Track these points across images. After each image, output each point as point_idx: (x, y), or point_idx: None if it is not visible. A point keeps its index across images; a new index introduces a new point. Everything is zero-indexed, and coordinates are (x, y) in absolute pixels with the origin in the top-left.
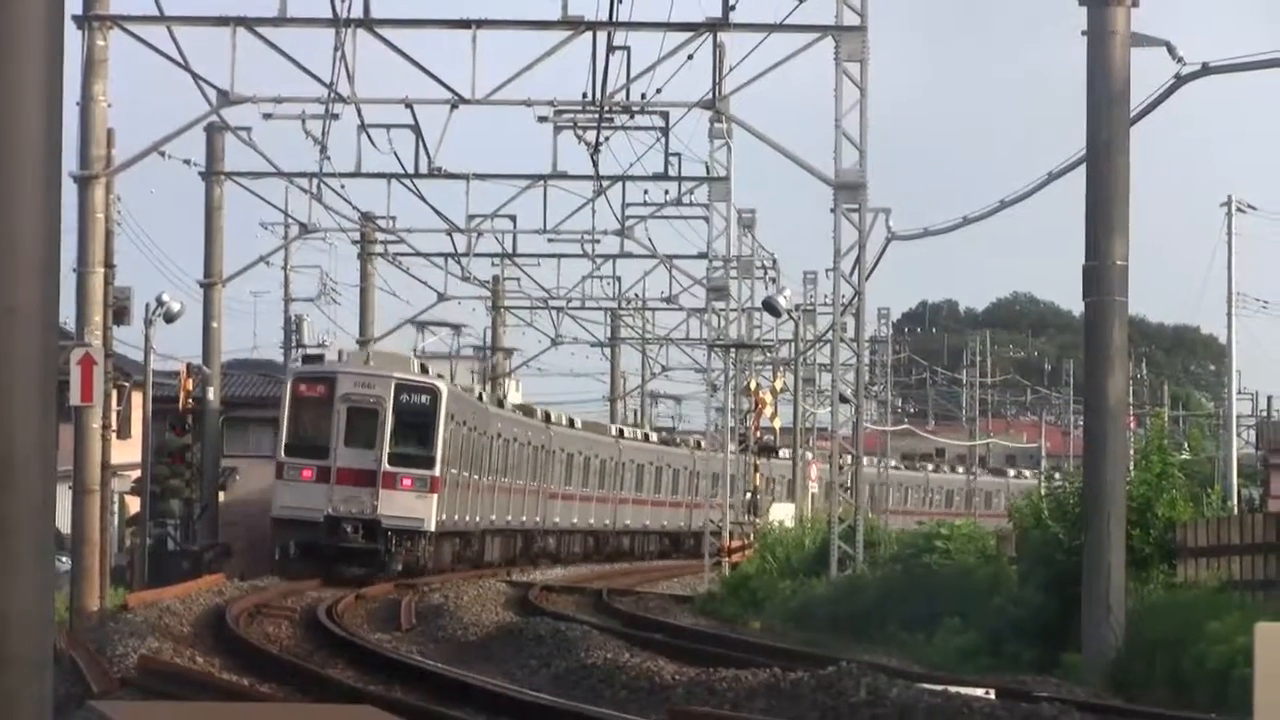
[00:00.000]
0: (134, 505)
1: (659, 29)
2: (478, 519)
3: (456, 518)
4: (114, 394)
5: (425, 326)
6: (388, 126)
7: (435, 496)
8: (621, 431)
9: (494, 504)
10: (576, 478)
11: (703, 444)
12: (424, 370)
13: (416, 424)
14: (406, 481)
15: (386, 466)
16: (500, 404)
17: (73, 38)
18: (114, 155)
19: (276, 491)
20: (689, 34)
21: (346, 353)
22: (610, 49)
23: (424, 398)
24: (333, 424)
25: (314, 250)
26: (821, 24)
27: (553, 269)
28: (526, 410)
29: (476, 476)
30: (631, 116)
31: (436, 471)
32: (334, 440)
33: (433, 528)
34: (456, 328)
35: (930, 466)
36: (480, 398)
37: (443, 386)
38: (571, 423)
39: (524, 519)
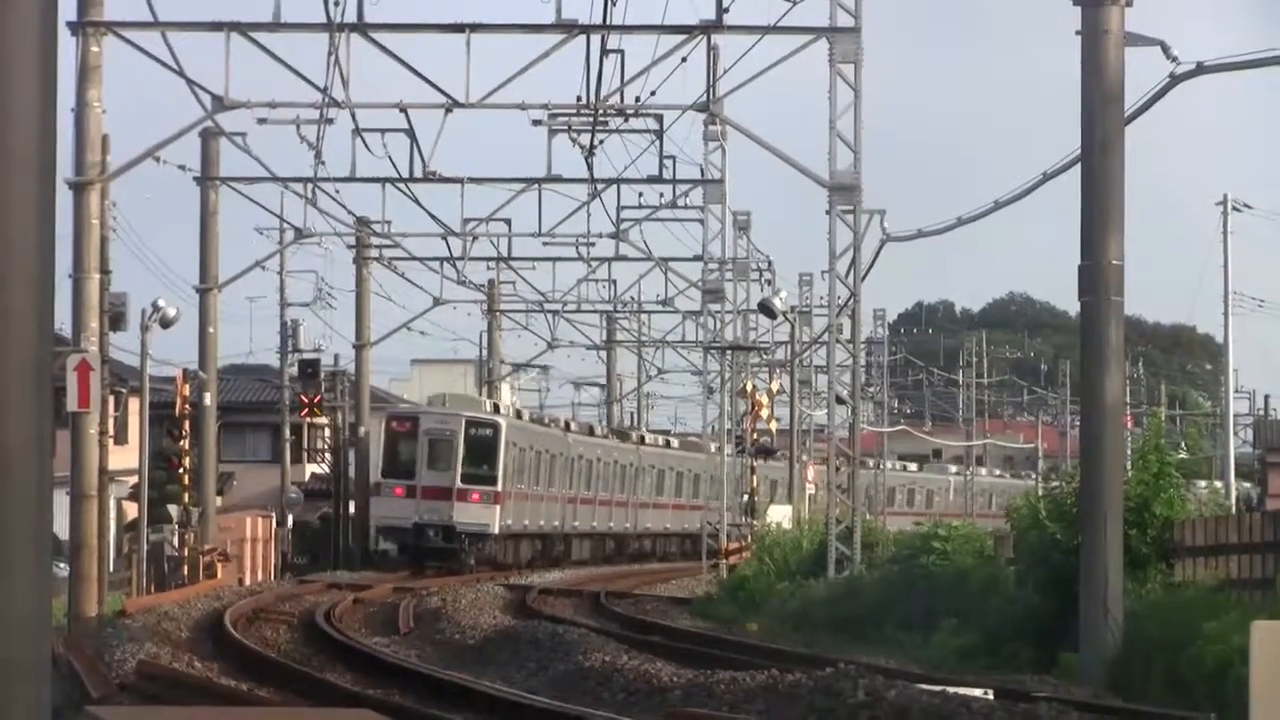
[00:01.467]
0: (131, 511)
1: (653, 32)
2: (557, 524)
3: (527, 523)
4: (111, 400)
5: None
6: (382, 131)
7: (499, 507)
8: (669, 442)
9: (576, 512)
10: (669, 488)
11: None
12: (495, 410)
13: (483, 451)
14: (475, 495)
15: (459, 484)
16: (591, 431)
17: (67, 44)
18: (109, 161)
19: (375, 505)
20: (683, 36)
21: (430, 398)
22: (604, 52)
23: (488, 430)
24: (418, 452)
25: (309, 255)
26: (815, 26)
27: (548, 272)
28: (621, 435)
29: (552, 489)
30: (626, 119)
31: (500, 487)
32: (419, 465)
33: (496, 531)
34: (544, 369)
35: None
36: (567, 426)
37: (503, 422)
38: (642, 439)
39: (610, 525)
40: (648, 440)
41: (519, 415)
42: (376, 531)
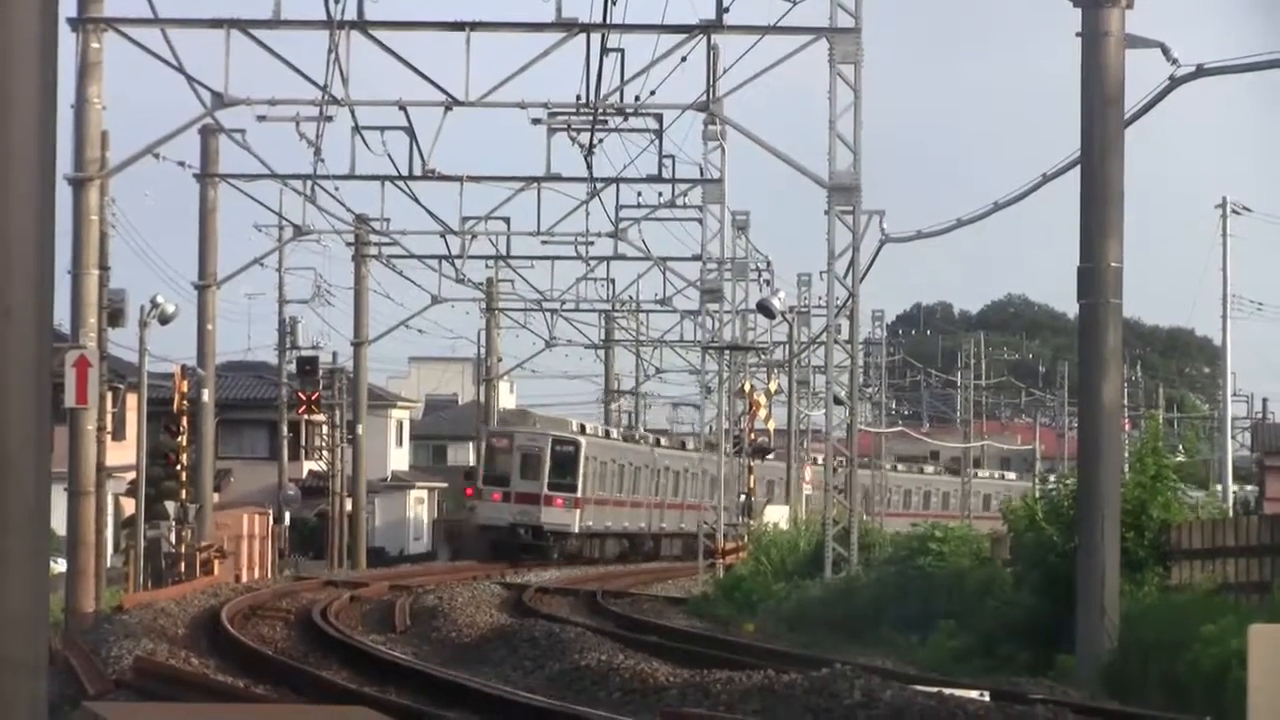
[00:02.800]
0: (129, 507)
1: (653, 31)
2: (643, 525)
3: (609, 524)
4: (109, 396)
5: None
6: (382, 128)
7: (579, 510)
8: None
9: (664, 515)
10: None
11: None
12: (582, 429)
13: (566, 464)
14: (559, 501)
15: (546, 491)
16: (682, 445)
17: (67, 40)
18: (108, 158)
19: (478, 508)
20: (683, 36)
21: (525, 419)
22: (604, 51)
23: (570, 447)
24: (513, 464)
25: (308, 252)
26: (815, 26)
27: (546, 271)
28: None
29: (636, 495)
30: (625, 119)
31: (579, 494)
32: (513, 475)
33: (577, 530)
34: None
35: (931, 469)
36: (657, 441)
37: (583, 440)
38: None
39: (682, 526)
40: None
41: (607, 434)
42: (477, 531)
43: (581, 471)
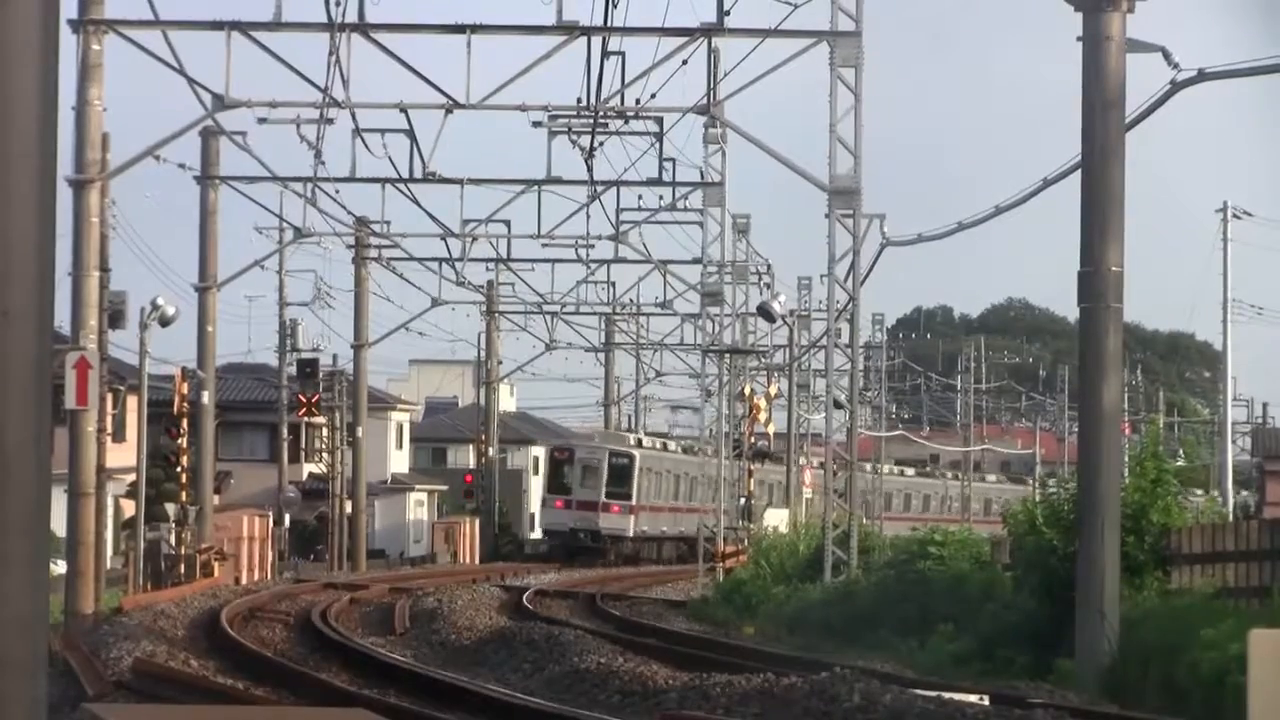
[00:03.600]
0: (129, 509)
1: (653, 34)
2: (683, 529)
3: (664, 529)
4: (109, 398)
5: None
6: (382, 131)
7: (633, 516)
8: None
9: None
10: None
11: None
12: (639, 444)
13: (621, 474)
14: (615, 508)
15: (603, 499)
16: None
17: (68, 42)
18: (109, 159)
19: (541, 514)
20: (683, 39)
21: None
22: (605, 54)
23: (625, 460)
24: (573, 474)
25: (308, 255)
26: (816, 30)
27: (547, 274)
28: (775, 459)
29: (693, 502)
30: (626, 122)
31: (634, 501)
32: (574, 484)
33: (632, 534)
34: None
35: (913, 471)
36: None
37: (638, 453)
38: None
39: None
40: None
41: (664, 447)
42: (542, 532)
43: (636, 481)
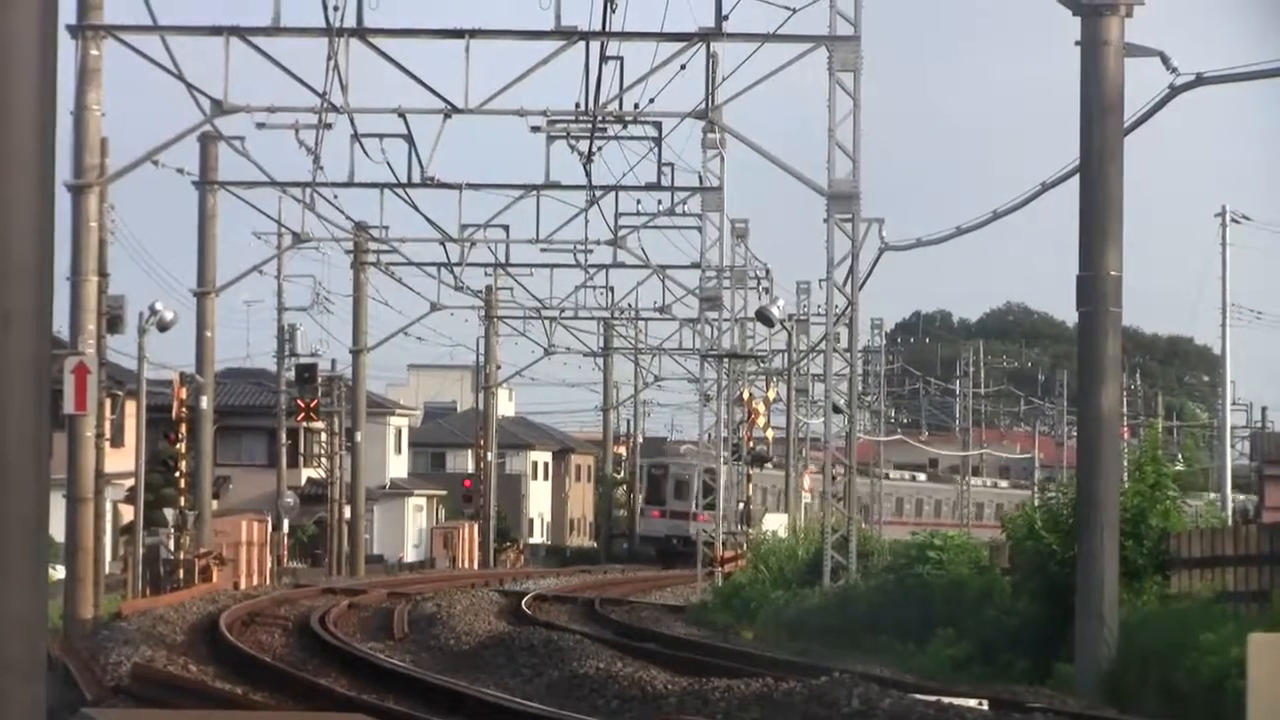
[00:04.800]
0: (128, 513)
1: (652, 39)
2: None
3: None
4: (108, 403)
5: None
6: (381, 136)
7: None
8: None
9: None
10: (908, 510)
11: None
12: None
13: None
14: (705, 517)
15: (695, 509)
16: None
17: (66, 47)
18: (108, 164)
19: (640, 522)
20: (682, 44)
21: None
22: (603, 59)
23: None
24: (667, 488)
25: (307, 260)
26: (815, 34)
27: (545, 279)
28: (863, 471)
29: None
30: (624, 126)
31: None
32: (668, 496)
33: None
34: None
35: (923, 476)
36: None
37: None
38: (886, 475)
39: None
40: (892, 475)
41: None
42: (639, 539)
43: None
